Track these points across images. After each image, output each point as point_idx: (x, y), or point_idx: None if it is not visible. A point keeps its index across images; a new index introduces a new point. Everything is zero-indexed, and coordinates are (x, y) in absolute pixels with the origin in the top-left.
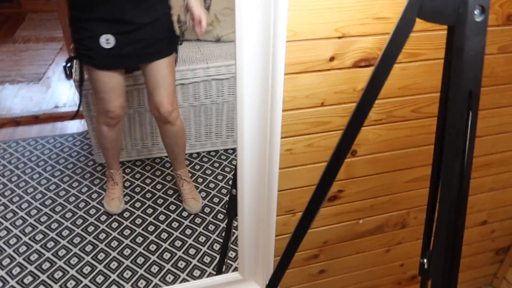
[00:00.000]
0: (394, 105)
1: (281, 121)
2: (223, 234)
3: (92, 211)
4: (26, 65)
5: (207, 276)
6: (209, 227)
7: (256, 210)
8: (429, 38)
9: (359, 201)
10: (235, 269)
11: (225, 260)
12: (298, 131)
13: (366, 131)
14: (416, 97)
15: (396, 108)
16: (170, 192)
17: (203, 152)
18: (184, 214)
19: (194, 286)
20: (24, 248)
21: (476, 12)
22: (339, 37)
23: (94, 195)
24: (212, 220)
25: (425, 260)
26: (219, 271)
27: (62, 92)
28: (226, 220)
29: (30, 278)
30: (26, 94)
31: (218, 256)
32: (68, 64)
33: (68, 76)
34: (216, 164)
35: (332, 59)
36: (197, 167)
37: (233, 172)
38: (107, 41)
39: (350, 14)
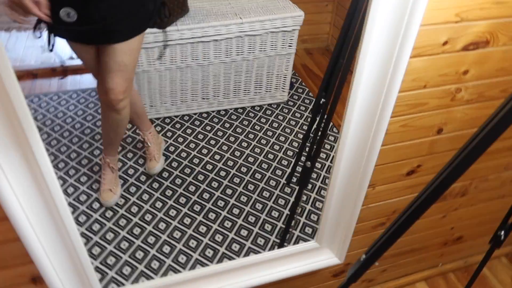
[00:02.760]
0: (488, 86)
1: (394, 103)
2: (263, 194)
3: (131, 171)
4: None
5: (271, 244)
6: (249, 187)
7: (347, 183)
8: None
9: (433, 174)
10: (298, 238)
11: (290, 229)
12: (397, 112)
13: (456, 111)
14: (508, 78)
15: (488, 89)
16: (205, 151)
17: (231, 109)
18: (223, 173)
19: (273, 256)
20: (84, 218)
21: None
22: (456, 22)
23: (130, 155)
24: (250, 179)
25: (503, 232)
26: (283, 239)
27: None
28: (296, 191)
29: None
30: (35, 43)
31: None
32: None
33: (37, 37)
34: (246, 122)
35: (445, 43)
36: (227, 125)
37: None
38: (68, 15)
39: None
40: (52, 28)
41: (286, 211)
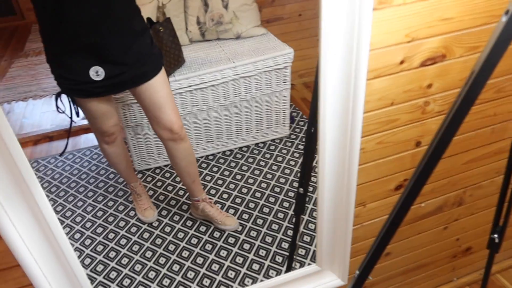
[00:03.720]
0: (455, 95)
1: (362, 123)
2: (272, 227)
3: (122, 223)
4: (44, 78)
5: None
6: (258, 221)
7: (334, 205)
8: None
9: (423, 186)
10: (301, 264)
11: (294, 255)
12: (370, 131)
13: (430, 122)
14: None
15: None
16: (213, 191)
17: (235, 148)
18: (231, 211)
19: (275, 283)
20: (88, 260)
21: None
22: (409, 41)
23: (121, 207)
24: (258, 214)
25: (496, 235)
26: (288, 267)
27: None
28: (294, 219)
29: None
30: (51, 108)
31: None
32: (58, 100)
33: (61, 111)
34: (250, 159)
35: (402, 62)
36: (233, 164)
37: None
38: (97, 73)
39: (418, 20)
40: (73, 92)
41: (298, 241)
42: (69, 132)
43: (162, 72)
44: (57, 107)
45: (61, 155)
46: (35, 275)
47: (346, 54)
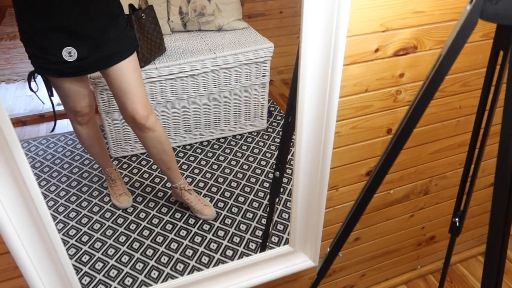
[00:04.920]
0: None
1: (338, 107)
2: (246, 216)
3: (108, 214)
4: (18, 62)
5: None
6: (233, 210)
7: (308, 187)
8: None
9: (391, 173)
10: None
11: (268, 238)
12: (345, 115)
13: (401, 111)
14: None
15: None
16: (189, 180)
17: (213, 139)
18: (207, 199)
19: (248, 262)
20: (74, 250)
21: None
22: (383, 31)
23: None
24: (234, 203)
25: (457, 219)
26: (263, 249)
27: None
28: (268, 202)
29: None
30: (25, 93)
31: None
32: (31, 80)
33: (33, 90)
34: (228, 150)
35: (376, 50)
36: (210, 154)
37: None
38: (69, 54)
39: (393, 10)
40: (46, 71)
41: (271, 229)
42: (54, 112)
43: (133, 58)
44: (30, 87)
45: (52, 131)
46: (17, 251)
47: (325, 38)
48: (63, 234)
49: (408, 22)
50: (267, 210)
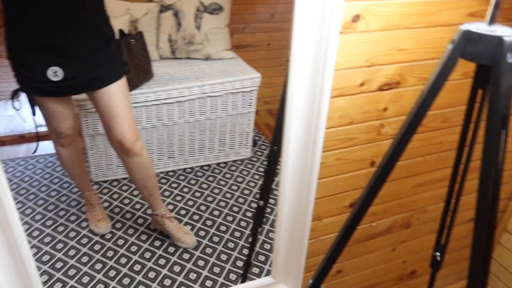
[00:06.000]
0: None
1: (324, 138)
2: (228, 245)
3: (84, 240)
4: (2, 82)
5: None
6: (214, 239)
7: (292, 217)
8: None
9: (373, 205)
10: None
11: (250, 269)
12: (331, 147)
13: (384, 144)
14: None
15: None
16: (170, 207)
17: (197, 166)
18: (188, 227)
19: None
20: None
21: (509, 55)
22: (368, 66)
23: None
24: (215, 232)
25: (438, 253)
26: (243, 280)
27: None
28: (251, 230)
29: None
30: (6, 112)
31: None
32: (15, 97)
33: (16, 108)
34: (211, 178)
35: (362, 84)
36: (193, 181)
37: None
38: (55, 73)
39: (378, 47)
40: (31, 90)
41: (253, 259)
42: (37, 133)
43: (122, 82)
44: (13, 105)
45: (34, 152)
46: None
47: (313, 71)
48: (36, 260)
49: (392, 59)
50: (249, 240)
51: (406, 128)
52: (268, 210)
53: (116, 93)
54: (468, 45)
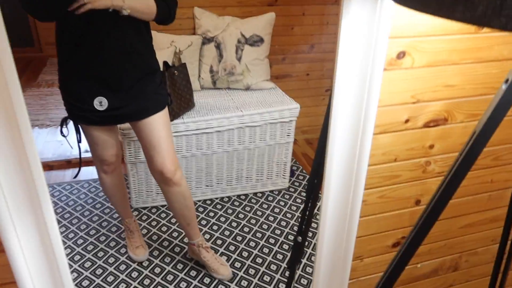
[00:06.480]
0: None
1: (366, 175)
2: (263, 279)
3: (123, 267)
4: (53, 109)
5: None
6: (250, 271)
7: (332, 255)
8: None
9: (419, 246)
10: None
11: None
12: (373, 184)
13: (431, 182)
14: None
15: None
16: (207, 236)
17: (234, 196)
18: (224, 258)
19: None
20: None
21: None
22: (414, 102)
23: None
24: (251, 264)
25: None
26: None
27: None
28: (288, 269)
29: None
30: (55, 138)
31: None
32: (63, 124)
33: (64, 134)
34: (248, 208)
35: (407, 121)
36: (230, 210)
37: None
38: (100, 103)
39: (424, 83)
40: (78, 118)
41: None
42: (80, 158)
43: (164, 113)
44: (61, 131)
45: (75, 177)
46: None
47: (356, 107)
48: (76, 285)
49: (439, 95)
50: (286, 274)
51: (457, 167)
52: (306, 243)
53: (158, 124)
54: None
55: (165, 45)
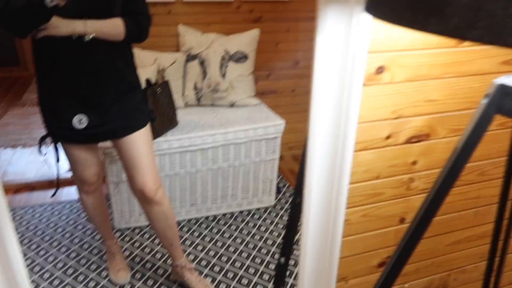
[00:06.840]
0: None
1: (347, 194)
2: None
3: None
4: (37, 128)
5: None
6: None
7: (315, 278)
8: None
9: (405, 265)
10: None
11: None
12: (355, 203)
13: (415, 199)
14: None
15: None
16: (191, 257)
17: (219, 214)
18: (208, 279)
19: None
20: None
21: None
22: (395, 118)
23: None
24: (236, 285)
25: None
26: None
27: None
28: None
29: None
30: (38, 158)
31: None
32: (42, 144)
33: (42, 154)
34: (233, 227)
35: (388, 137)
36: (215, 230)
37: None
38: (80, 121)
39: (405, 98)
40: (57, 137)
41: None
42: (57, 178)
43: (146, 131)
44: (40, 150)
45: (51, 196)
46: None
47: (335, 124)
48: None
49: (421, 110)
50: None
51: (440, 184)
52: (292, 262)
53: (139, 141)
54: (505, 100)
55: (148, 62)
